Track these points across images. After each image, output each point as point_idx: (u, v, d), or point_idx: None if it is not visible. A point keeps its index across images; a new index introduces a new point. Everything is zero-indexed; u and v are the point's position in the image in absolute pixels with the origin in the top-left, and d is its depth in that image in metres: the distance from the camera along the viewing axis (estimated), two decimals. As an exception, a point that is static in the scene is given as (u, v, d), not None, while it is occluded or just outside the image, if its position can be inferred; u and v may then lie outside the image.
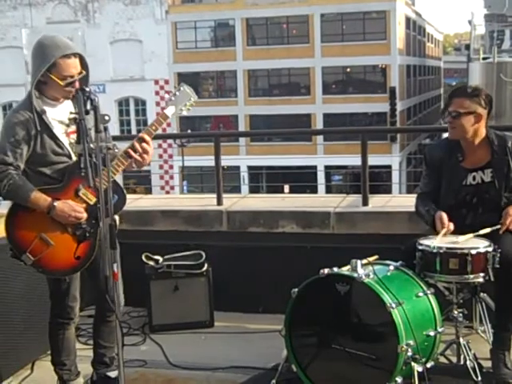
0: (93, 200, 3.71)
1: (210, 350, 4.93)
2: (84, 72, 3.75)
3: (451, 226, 4.18)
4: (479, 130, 4.29)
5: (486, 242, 4.05)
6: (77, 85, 3.69)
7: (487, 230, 4.14)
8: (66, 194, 3.71)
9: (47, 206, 3.64)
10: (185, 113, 3.89)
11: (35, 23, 41.05)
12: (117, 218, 3.64)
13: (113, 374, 4.10)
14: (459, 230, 4.19)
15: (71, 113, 3.76)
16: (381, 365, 3.75)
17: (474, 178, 4.33)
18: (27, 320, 4.48)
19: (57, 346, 4.05)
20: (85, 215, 3.69)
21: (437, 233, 4.19)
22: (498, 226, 4.17)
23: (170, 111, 3.84)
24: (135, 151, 3.73)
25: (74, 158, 3.76)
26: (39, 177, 3.75)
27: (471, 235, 4.10)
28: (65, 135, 3.78)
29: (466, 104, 4.23)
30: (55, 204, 3.63)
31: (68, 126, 3.80)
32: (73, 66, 3.69)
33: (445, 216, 4.20)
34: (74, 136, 3.80)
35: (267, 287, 5.36)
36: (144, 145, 3.73)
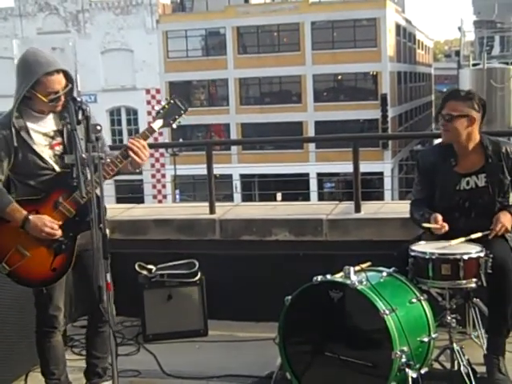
0: (72, 212, 3.70)
1: (205, 358, 4.91)
2: (70, 85, 3.75)
3: (446, 226, 4.18)
4: (473, 134, 4.29)
5: (477, 248, 4.06)
6: (62, 99, 3.71)
7: (478, 235, 4.15)
8: (46, 206, 3.70)
9: (22, 219, 3.64)
10: (174, 126, 3.85)
11: (26, 34, 41.06)
12: (107, 230, 3.62)
13: None
14: (452, 234, 4.19)
15: (62, 122, 3.76)
16: (375, 372, 3.75)
17: (467, 183, 4.34)
18: (20, 331, 4.46)
19: (44, 355, 4.03)
20: (58, 232, 3.67)
21: (431, 233, 4.21)
22: (487, 232, 4.18)
23: (157, 124, 3.80)
24: (131, 150, 3.71)
25: (58, 170, 3.76)
26: (25, 187, 3.76)
27: (462, 239, 4.11)
28: (48, 147, 3.77)
29: (459, 107, 4.25)
30: (29, 217, 3.64)
31: (53, 138, 3.80)
32: (56, 82, 3.69)
33: (440, 217, 4.20)
34: (59, 148, 3.80)
35: (261, 295, 5.35)
36: (142, 141, 3.73)
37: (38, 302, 3.95)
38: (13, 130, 3.67)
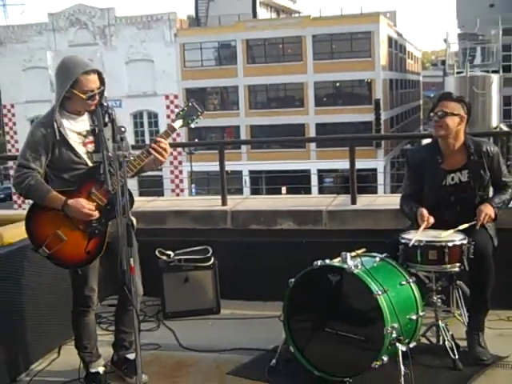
0: (104, 201, 3.71)
1: (217, 334, 4.92)
2: (102, 87, 3.76)
3: (431, 220, 4.19)
4: (460, 133, 4.30)
5: (461, 236, 4.06)
6: (97, 98, 3.71)
7: (465, 226, 4.14)
8: (80, 196, 3.71)
9: (61, 203, 3.65)
10: (192, 125, 3.83)
11: (59, 46, 41.03)
12: (134, 219, 3.61)
13: (131, 356, 4.10)
14: (440, 226, 4.19)
15: (91, 125, 3.78)
16: (369, 345, 3.75)
17: (452, 179, 4.34)
18: (54, 309, 4.48)
19: (79, 331, 4.05)
20: (96, 212, 3.68)
21: (418, 227, 4.20)
22: (474, 222, 4.17)
23: (177, 124, 3.78)
24: (155, 150, 3.71)
25: (90, 165, 3.77)
26: (60, 181, 3.78)
27: (452, 231, 4.10)
28: (82, 145, 3.79)
29: (451, 105, 4.27)
30: (68, 202, 3.64)
31: (85, 136, 3.81)
32: (92, 82, 3.71)
33: (425, 212, 4.20)
34: (91, 146, 3.80)
35: (267, 278, 5.35)
36: (162, 144, 3.72)
37: (74, 284, 3.96)
38: (55, 125, 3.69)
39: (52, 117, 3.73)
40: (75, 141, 3.77)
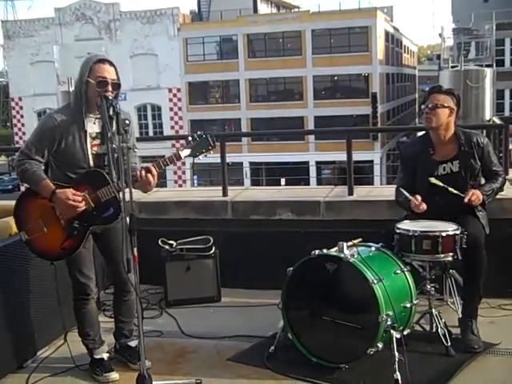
0: (91, 206, 3.69)
1: (218, 321, 4.93)
2: (118, 82, 3.75)
3: (424, 206, 4.19)
4: (450, 125, 4.32)
5: (454, 226, 4.06)
6: (109, 88, 3.66)
7: (455, 191, 4.15)
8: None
9: (50, 192, 3.65)
10: (200, 157, 3.71)
11: (65, 40, 40.93)
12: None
13: (133, 343, 4.12)
14: (432, 215, 4.19)
15: (95, 116, 3.74)
16: (364, 333, 3.76)
17: (444, 169, 4.36)
18: (60, 296, 4.47)
19: (80, 318, 4.06)
20: (81, 204, 3.66)
21: (411, 211, 4.21)
22: (463, 195, 4.15)
23: (184, 153, 3.67)
24: (141, 177, 3.66)
25: (92, 167, 3.75)
26: (60, 175, 3.77)
27: (441, 184, 4.15)
28: (90, 145, 3.77)
29: (441, 98, 4.30)
30: (56, 191, 3.65)
31: (93, 138, 3.78)
32: (106, 71, 3.70)
33: (419, 197, 4.21)
34: (96, 149, 3.78)
35: (266, 266, 5.35)
36: (149, 176, 3.65)
37: (70, 273, 3.97)
38: (83, 117, 3.70)
39: (76, 109, 3.71)
40: (88, 138, 3.76)
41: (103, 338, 4.17)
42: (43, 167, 3.77)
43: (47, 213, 3.71)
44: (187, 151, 3.68)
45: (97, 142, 3.78)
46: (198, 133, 3.72)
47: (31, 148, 3.72)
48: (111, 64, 3.73)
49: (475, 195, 4.16)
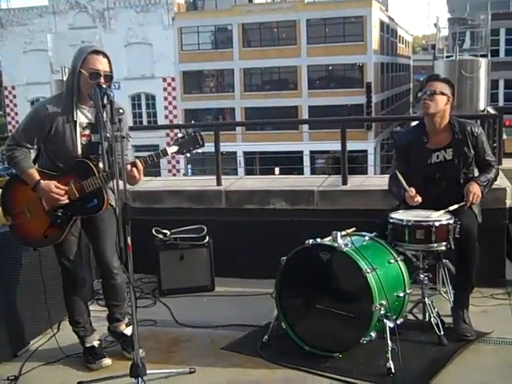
0: (75, 195, 3.71)
1: (212, 310, 4.93)
2: (111, 74, 3.73)
3: (419, 199, 4.19)
4: (446, 113, 4.35)
5: (447, 215, 4.07)
6: (102, 80, 3.65)
7: (455, 207, 4.15)
8: (58, 182, 3.72)
9: (34, 182, 3.68)
10: (188, 155, 3.74)
11: (59, 29, 40.67)
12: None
13: (128, 331, 4.11)
14: (426, 203, 4.20)
15: (90, 105, 3.72)
16: (358, 322, 3.77)
17: (437, 157, 4.37)
18: (54, 286, 4.47)
19: (70, 306, 4.09)
20: (64, 197, 3.68)
21: (406, 203, 4.22)
22: (463, 203, 4.17)
23: (171, 149, 3.68)
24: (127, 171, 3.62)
25: (80, 158, 3.75)
26: (49, 163, 3.79)
27: (442, 212, 4.09)
28: (79, 135, 3.76)
29: (439, 85, 4.32)
30: (40, 182, 3.67)
31: (84, 128, 3.78)
32: (99, 62, 3.69)
33: (413, 189, 4.22)
34: (85, 139, 3.78)
35: (260, 256, 5.36)
36: (134, 170, 3.65)
37: (59, 260, 3.99)
38: (74, 107, 3.71)
39: (67, 99, 3.72)
40: (78, 128, 3.76)
41: (96, 327, 4.17)
42: (33, 154, 3.81)
43: (33, 199, 3.75)
44: (174, 148, 3.69)
45: (87, 132, 3.78)
46: (189, 130, 3.74)
47: (21, 135, 3.75)
48: (105, 56, 3.72)
49: (475, 195, 4.17)
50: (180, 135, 3.72)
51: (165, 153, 3.69)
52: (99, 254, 3.96)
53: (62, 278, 4.05)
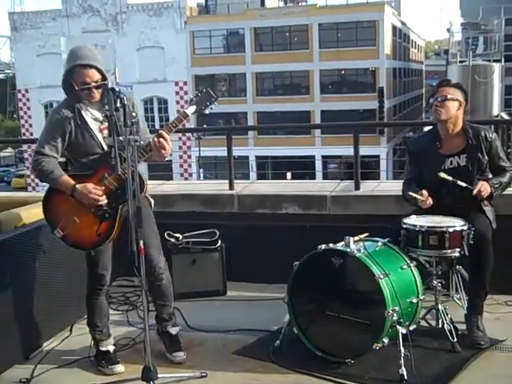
0: (114, 185, 3.72)
1: (224, 315, 4.92)
2: (104, 82, 3.73)
3: (430, 201, 4.18)
4: (458, 118, 4.31)
5: (461, 222, 4.05)
6: (94, 91, 3.71)
7: (464, 184, 4.14)
8: (94, 180, 3.74)
9: (71, 188, 3.69)
10: (206, 111, 3.76)
11: (72, 32, 40.93)
12: (152, 200, 3.98)
13: (173, 330, 4.16)
14: (439, 209, 4.18)
15: (102, 110, 3.76)
16: (370, 328, 3.75)
17: (451, 163, 4.34)
18: (67, 288, 4.50)
19: (91, 309, 4.08)
20: (102, 197, 3.70)
21: (419, 207, 4.20)
22: (472, 188, 4.13)
23: (190, 110, 3.72)
24: (155, 145, 3.68)
25: (106, 150, 3.79)
26: (78, 164, 3.82)
27: (450, 178, 4.14)
28: (98, 130, 3.80)
29: (450, 91, 4.29)
30: (77, 186, 3.68)
31: (101, 123, 3.81)
32: (86, 75, 3.69)
33: (425, 192, 4.20)
34: (107, 131, 3.81)
35: (273, 260, 5.35)
36: (161, 140, 3.66)
37: (90, 263, 3.98)
38: (76, 110, 3.74)
39: (72, 102, 3.76)
40: (93, 125, 3.79)
41: (110, 332, 4.18)
42: (62, 162, 3.82)
43: (75, 204, 3.73)
44: (192, 108, 3.72)
45: (105, 125, 3.80)
46: (197, 90, 3.78)
47: (44, 145, 3.75)
48: (91, 66, 3.69)
49: (484, 186, 4.14)
50: (192, 96, 3.75)
51: (185, 115, 3.72)
52: (147, 254, 3.90)
53: (88, 280, 4.04)
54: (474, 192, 4.12)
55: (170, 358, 4.08)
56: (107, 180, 3.73)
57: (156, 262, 3.97)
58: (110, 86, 3.71)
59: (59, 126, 3.74)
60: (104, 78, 3.75)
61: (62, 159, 3.87)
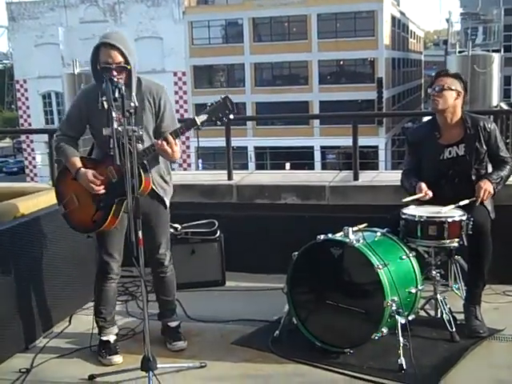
0: (115, 177, 3.73)
1: (222, 305, 4.93)
2: (126, 66, 3.69)
3: (429, 193, 4.18)
4: (457, 108, 4.30)
5: (460, 212, 4.05)
6: (114, 74, 3.61)
7: (466, 202, 4.13)
8: (100, 167, 3.77)
9: (75, 170, 3.77)
10: (218, 123, 3.61)
11: (70, 23, 40.77)
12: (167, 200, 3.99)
13: (173, 323, 4.21)
14: (439, 199, 4.19)
15: (101, 100, 3.72)
16: (369, 318, 3.76)
17: (449, 153, 4.34)
18: (66, 279, 4.50)
19: (97, 295, 4.10)
20: (99, 187, 3.72)
21: (418, 201, 4.20)
22: (474, 199, 4.16)
23: (200, 118, 3.59)
24: (159, 147, 3.67)
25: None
26: (97, 149, 3.91)
27: (452, 206, 4.09)
28: (117, 118, 3.76)
29: (448, 81, 4.28)
30: (80, 170, 3.75)
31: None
32: (107, 55, 3.67)
33: (424, 185, 4.22)
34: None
35: (272, 251, 5.35)
36: (164, 143, 3.63)
37: (98, 250, 4.03)
38: (99, 95, 3.64)
39: (98, 87, 3.74)
40: (113, 112, 3.75)
41: (115, 321, 4.19)
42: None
43: (79, 187, 3.79)
44: (204, 117, 3.60)
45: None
46: (221, 97, 3.60)
47: (64, 123, 3.91)
48: (114, 47, 3.67)
49: (486, 191, 4.15)
50: (209, 104, 3.61)
51: (194, 122, 3.62)
52: (153, 249, 4.02)
53: (97, 267, 4.07)
54: (478, 203, 4.14)
55: (169, 348, 4.12)
56: (110, 170, 3.73)
57: (163, 257, 4.08)
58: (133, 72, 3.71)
59: (77, 108, 3.85)
60: (127, 63, 3.70)
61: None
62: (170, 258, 4.17)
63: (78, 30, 37.38)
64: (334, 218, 4.95)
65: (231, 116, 3.61)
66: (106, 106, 3.40)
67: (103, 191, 3.74)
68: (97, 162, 3.83)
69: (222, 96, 3.64)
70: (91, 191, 3.74)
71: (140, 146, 3.66)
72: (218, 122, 3.63)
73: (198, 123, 3.63)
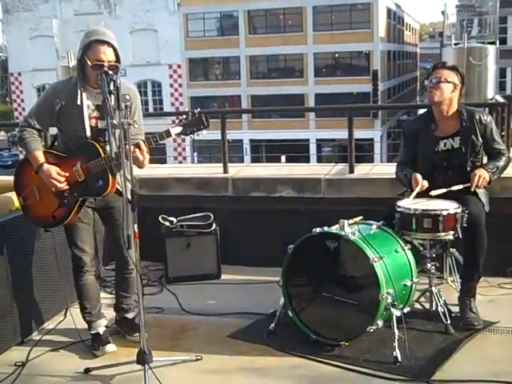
0: (81, 176, 3.73)
1: (218, 298, 4.94)
2: (118, 65, 3.68)
3: (425, 183, 4.19)
4: (453, 101, 4.31)
5: (455, 204, 4.05)
6: (105, 70, 3.58)
7: (460, 187, 4.14)
8: (66, 164, 3.76)
9: (38, 165, 3.74)
10: (192, 136, 3.63)
11: (64, 15, 40.57)
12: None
13: (130, 315, 4.20)
14: (433, 190, 4.18)
15: (97, 92, 3.71)
16: (364, 310, 3.77)
17: (444, 145, 4.35)
18: (61, 272, 4.48)
19: (78, 291, 4.12)
20: (62, 184, 3.72)
21: (413, 191, 4.21)
22: (469, 184, 4.16)
23: (175, 130, 3.59)
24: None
25: (89, 139, 3.75)
26: (62, 145, 3.87)
27: (444, 190, 4.09)
28: (88, 118, 3.77)
29: (445, 73, 4.29)
30: (43, 166, 3.73)
31: (93, 111, 3.79)
32: (102, 52, 3.65)
33: (419, 176, 4.22)
34: (94, 121, 3.79)
35: (267, 244, 5.36)
36: (136, 150, 3.59)
37: (69, 246, 4.03)
38: (78, 91, 3.73)
39: (75, 82, 3.75)
40: (86, 110, 3.77)
41: (105, 314, 4.19)
42: (52, 135, 3.89)
43: (41, 181, 3.78)
44: (178, 129, 3.60)
45: (96, 114, 3.79)
46: (195, 111, 3.64)
47: (32, 117, 3.84)
48: (109, 45, 3.67)
49: (480, 177, 4.15)
50: (185, 116, 3.64)
51: (168, 134, 3.62)
52: (118, 246, 3.98)
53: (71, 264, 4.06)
54: (472, 188, 4.14)
55: (128, 338, 4.12)
56: (76, 169, 3.72)
57: (127, 256, 3.89)
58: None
59: (48, 103, 3.79)
60: (117, 62, 3.71)
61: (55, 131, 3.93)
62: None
63: (73, 23, 37.16)
64: (330, 211, 4.96)
65: (204, 131, 3.64)
66: (111, 100, 3.36)
67: (66, 187, 3.74)
68: (62, 158, 3.79)
69: (197, 111, 3.63)
70: (52, 188, 3.74)
71: (108, 148, 3.54)
72: (192, 136, 3.65)
73: (173, 135, 3.63)
